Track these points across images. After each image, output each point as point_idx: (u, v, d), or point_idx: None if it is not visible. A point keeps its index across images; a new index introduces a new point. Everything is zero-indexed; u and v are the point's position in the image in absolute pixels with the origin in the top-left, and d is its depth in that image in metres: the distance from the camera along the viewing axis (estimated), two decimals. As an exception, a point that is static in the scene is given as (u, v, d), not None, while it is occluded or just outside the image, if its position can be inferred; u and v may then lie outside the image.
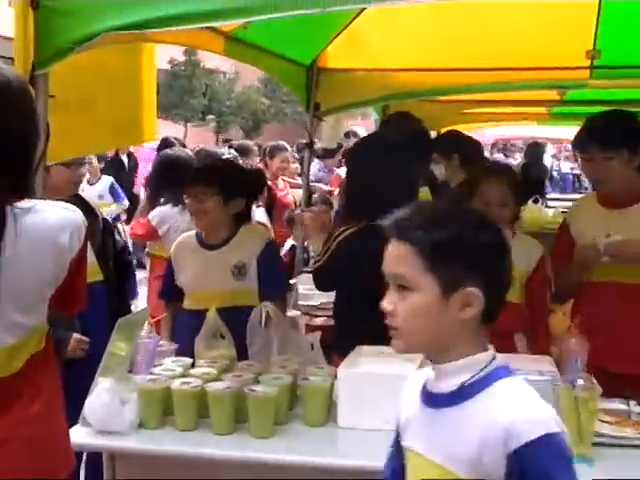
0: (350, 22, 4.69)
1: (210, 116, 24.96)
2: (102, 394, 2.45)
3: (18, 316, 1.82)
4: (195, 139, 21.54)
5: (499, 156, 16.54)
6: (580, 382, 2.25)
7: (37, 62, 2.37)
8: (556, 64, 5.10)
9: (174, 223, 4.65)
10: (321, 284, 3.34)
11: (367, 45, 5.10)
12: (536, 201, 7.50)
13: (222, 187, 3.28)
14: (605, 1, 4.34)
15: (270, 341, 2.82)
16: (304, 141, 5.51)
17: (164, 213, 4.75)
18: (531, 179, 11.66)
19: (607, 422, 2.48)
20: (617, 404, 2.61)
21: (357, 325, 3.08)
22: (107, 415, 2.42)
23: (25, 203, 1.82)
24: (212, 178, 3.31)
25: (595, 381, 2.31)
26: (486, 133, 22.16)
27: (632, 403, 2.62)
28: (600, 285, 3.09)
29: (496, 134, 20.52)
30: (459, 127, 13.55)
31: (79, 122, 2.83)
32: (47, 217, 1.85)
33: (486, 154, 13.95)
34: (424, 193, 4.05)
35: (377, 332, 2.79)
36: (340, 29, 4.82)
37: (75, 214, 1.93)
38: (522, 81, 5.39)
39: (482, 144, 11.98)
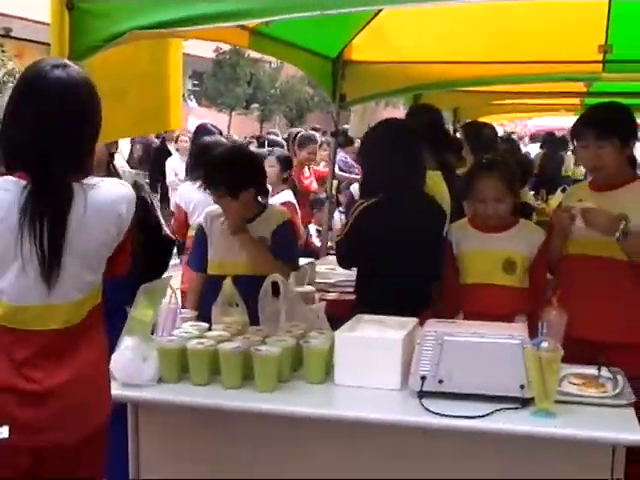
0: (374, 16, 4.94)
1: (254, 105, 25.28)
2: (126, 351, 2.78)
3: (87, 274, 2.24)
4: (239, 127, 21.90)
5: (534, 147, 16.57)
6: (544, 345, 2.52)
7: (71, 57, 2.70)
8: (571, 58, 5.33)
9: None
10: (342, 257, 3.66)
11: (391, 38, 5.34)
12: (564, 190, 7.70)
13: (229, 187, 3.58)
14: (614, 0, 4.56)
15: (279, 309, 3.12)
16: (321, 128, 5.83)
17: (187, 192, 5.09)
18: (548, 170, 11.76)
19: (575, 384, 2.75)
20: (588, 369, 2.87)
21: (374, 294, 3.45)
22: (130, 370, 2.76)
23: (90, 180, 2.23)
24: (219, 180, 3.62)
25: (559, 345, 2.57)
26: (529, 124, 22.23)
27: (604, 369, 2.87)
28: (575, 258, 3.30)
29: (537, 125, 20.60)
30: (495, 118, 13.73)
31: (112, 110, 3.15)
32: (109, 191, 2.27)
33: (523, 145, 14.02)
34: (436, 176, 4.32)
35: (392, 299, 3.16)
36: (365, 23, 5.08)
37: (129, 188, 2.36)
38: (539, 74, 5.63)
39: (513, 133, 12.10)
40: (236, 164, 3.68)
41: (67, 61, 2.30)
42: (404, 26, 5.13)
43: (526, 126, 22.85)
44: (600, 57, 5.12)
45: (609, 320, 3.20)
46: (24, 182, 2.15)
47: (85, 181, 2.21)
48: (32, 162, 2.15)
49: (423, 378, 2.65)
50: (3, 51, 15.32)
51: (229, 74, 23.59)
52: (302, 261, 4.02)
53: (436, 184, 4.21)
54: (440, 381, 2.65)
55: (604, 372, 2.85)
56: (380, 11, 4.78)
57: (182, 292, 4.43)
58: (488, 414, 2.54)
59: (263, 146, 7.97)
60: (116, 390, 2.76)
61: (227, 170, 3.64)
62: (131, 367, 2.76)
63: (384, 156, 3.54)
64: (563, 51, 5.24)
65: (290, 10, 2.90)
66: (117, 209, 2.27)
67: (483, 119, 12.14)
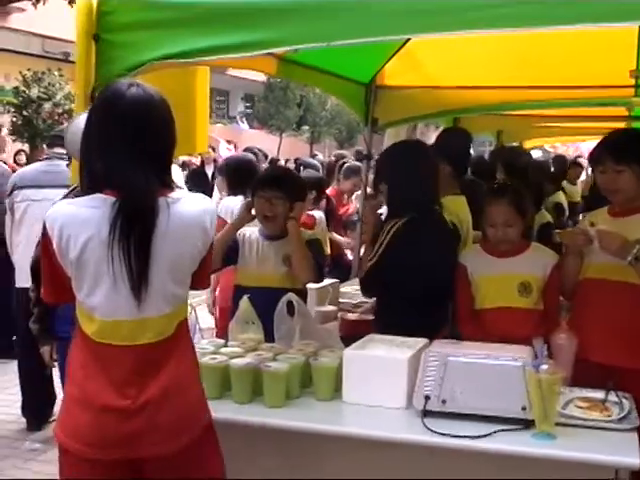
0: (405, 42, 5.04)
1: (304, 127, 25.56)
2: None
3: (175, 288, 2.34)
4: (289, 149, 22.16)
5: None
6: (544, 367, 2.57)
7: (96, 85, 2.86)
8: (604, 83, 5.36)
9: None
10: (373, 283, 3.61)
11: (422, 64, 5.43)
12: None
13: (288, 193, 3.76)
14: (644, 27, 4.58)
15: (293, 328, 3.22)
16: (364, 152, 5.92)
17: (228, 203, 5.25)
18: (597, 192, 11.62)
19: (580, 407, 2.78)
20: (595, 393, 2.90)
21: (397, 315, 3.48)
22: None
23: (175, 194, 2.34)
24: (280, 184, 3.78)
25: (560, 368, 2.62)
26: (582, 147, 22.09)
27: (612, 394, 2.89)
28: (592, 281, 3.32)
29: (590, 148, 20.40)
30: (543, 140, 13.63)
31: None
32: (193, 204, 2.37)
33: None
34: (459, 200, 4.39)
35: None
36: (396, 49, 5.17)
37: (211, 203, 2.49)
38: (573, 99, 5.66)
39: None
40: (296, 176, 3.93)
41: (138, 80, 2.42)
42: (435, 52, 5.20)
43: (578, 149, 22.69)
44: (632, 82, 5.16)
45: (622, 344, 3.22)
46: (113, 199, 2.25)
47: (170, 195, 2.32)
48: (119, 179, 2.25)
49: (427, 398, 2.72)
50: (61, 75, 15.78)
51: (280, 97, 23.94)
52: (326, 281, 4.10)
53: (458, 207, 4.29)
54: (443, 401, 2.72)
55: (612, 396, 2.88)
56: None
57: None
58: (489, 434, 2.59)
59: (298, 169, 8.09)
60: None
61: (290, 177, 3.91)
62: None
63: (405, 175, 3.63)
64: (597, 76, 5.28)
65: (312, 40, 2.98)
66: (202, 222, 2.37)
67: (529, 142, 12.22)
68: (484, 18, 2.52)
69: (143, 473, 2.35)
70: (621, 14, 2.30)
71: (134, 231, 2.23)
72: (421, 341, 3.02)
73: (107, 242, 2.23)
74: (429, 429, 2.63)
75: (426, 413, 2.71)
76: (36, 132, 15.24)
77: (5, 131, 9.08)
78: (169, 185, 2.35)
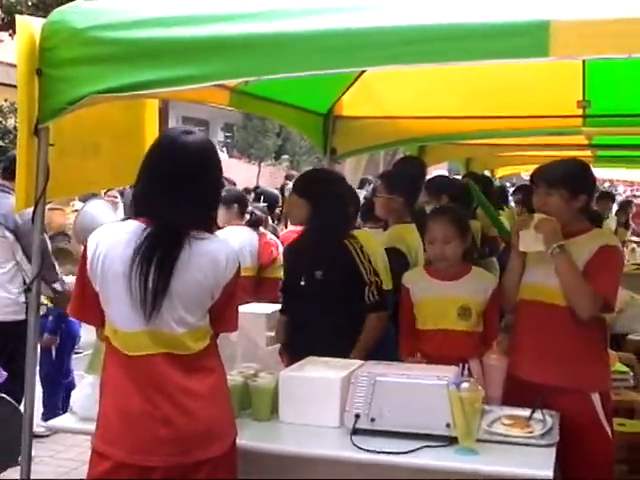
0: (362, 73, 5.18)
1: (284, 156, 25.72)
2: (85, 388, 3.00)
3: (186, 315, 2.53)
4: (268, 178, 22.30)
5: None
6: (465, 385, 2.68)
7: (40, 118, 2.97)
8: (555, 113, 5.52)
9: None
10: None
11: (379, 94, 5.57)
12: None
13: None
14: (587, 62, 4.75)
15: (237, 350, 3.33)
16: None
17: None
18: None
19: (505, 424, 2.90)
20: (524, 411, 3.02)
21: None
22: (88, 405, 2.95)
23: (201, 234, 2.57)
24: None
25: (480, 386, 2.73)
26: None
27: (539, 411, 3.00)
28: (525, 303, 3.45)
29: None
30: (512, 169, 13.77)
31: (82, 165, 3.44)
32: (211, 242, 2.59)
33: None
34: (410, 228, 4.52)
35: None
36: (353, 79, 5.32)
37: (232, 247, 2.70)
38: (529, 128, 5.82)
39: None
40: None
41: (191, 128, 2.73)
42: (391, 83, 5.32)
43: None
44: (580, 112, 5.32)
45: (551, 363, 3.33)
46: (144, 225, 2.52)
47: (201, 233, 2.56)
48: (158, 211, 2.52)
49: (357, 416, 2.83)
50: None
51: (258, 126, 24.09)
52: (276, 306, 4.18)
53: (407, 234, 4.42)
54: (372, 419, 2.83)
55: (537, 414, 2.99)
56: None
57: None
58: (414, 450, 2.71)
59: (258, 197, 8.24)
60: (76, 424, 3.01)
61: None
62: (89, 402, 2.95)
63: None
64: (548, 106, 5.43)
65: (254, 73, 3.09)
66: (214, 258, 2.56)
67: (501, 170, 12.36)
68: (439, 51, 2.59)
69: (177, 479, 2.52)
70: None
71: (153, 258, 2.47)
72: (355, 362, 3.13)
73: (129, 261, 2.48)
74: (357, 446, 2.73)
75: (356, 431, 2.82)
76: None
77: None
78: (208, 224, 2.62)
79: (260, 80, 3.71)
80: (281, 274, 6.37)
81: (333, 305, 3.66)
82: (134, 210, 2.62)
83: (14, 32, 13.44)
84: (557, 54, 2.32)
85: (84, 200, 9.45)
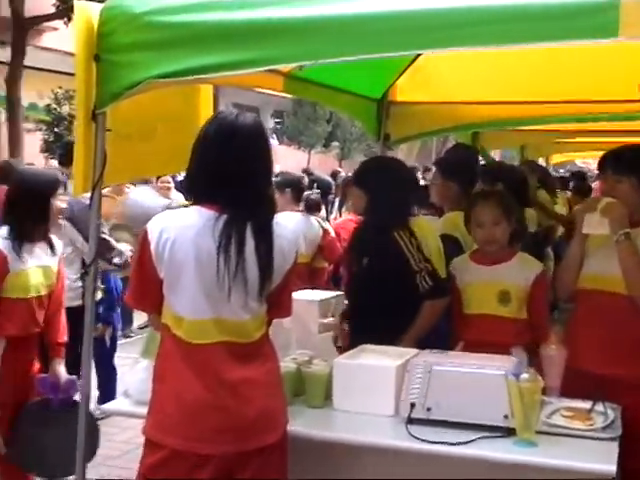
0: (416, 57, 5.11)
1: (334, 143, 25.67)
2: (140, 372, 3.01)
3: (249, 299, 2.52)
4: (318, 165, 22.29)
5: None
6: (525, 376, 2.62)
7: (97, 103, 2.98)
8: (614, 97, 5.39)
9: None
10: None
11: (435, 79, 5.49)
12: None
13: None
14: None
15: (291, 337, 3.31)
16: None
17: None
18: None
19: (565, 416, 2.83)
20: (584, 403, 2.95)
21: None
22: (143, 389, 2.97)
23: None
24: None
25: (540, 377, 2.67)
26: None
27: (600, 404, 2.93)
28: (585, 292, 3.38)
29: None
30: (568, 156, 13.55)
31: (138, 151, 3.44)
32: (283, 229, 2.59)
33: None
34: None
35: None
36: (408, 64, 5.25)
37: (293, 233, 2.74)
38: (582, 114, 5.69)
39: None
40: None
41: (242, 111, 2.68)
42: (447, 67, 5.24)
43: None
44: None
45: (614, 354, 3.26)
46: (213, 212, 2.49)
47: (269, 215, 2.57)
48: (225, 197, 2.49)
49: (412, 405, 2.79)
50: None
51: (309, 113, 24.06)
52: (329, 294, 4.16)
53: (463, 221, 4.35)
54: (428, 409, 2.78)
55: (599, 407, 2.92)
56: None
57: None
58: (471, 441, 2.66)
59: (311, 183, 8.20)
60: (130, 408, 3.03)
61: None
62: (143, 386, 2.96)
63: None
64: (606, 91, 5.31)
65: (308, 57, 3.06)
66: (278, 243, 2.56)
67: (555, 157, 12.16)
68: (492, 34, 2.54)
69: (230, 468, 2.51)
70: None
71: (230, 244, 2.46)
72: (411, 351, 3.09)
73: (203, 248, 2.46)
74: (412, 435, 2.70)
75: (412, 420, 2.79)
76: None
77: None
78: (270, 209, 2.61)
79: (315, 65, 3.68)
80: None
81: (382, 293, 3.62)
82: (193, 195, 2.60)
83: (69, 20, 13.64)
84: (626, 34, 2.24)
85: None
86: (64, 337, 3.90)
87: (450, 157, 5.26)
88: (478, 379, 2.76)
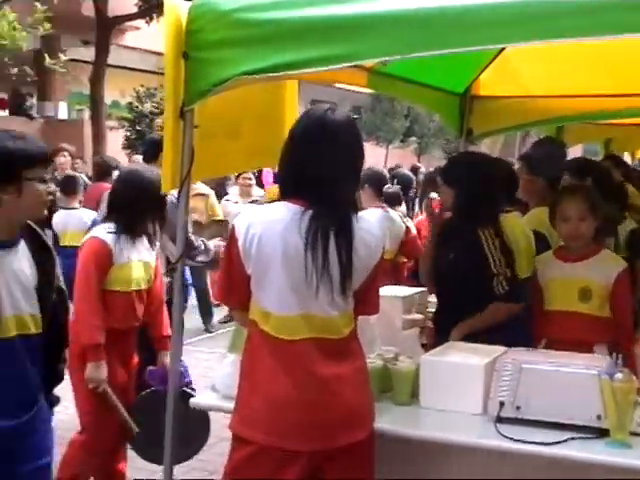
0: (500, 51, 5.04)
1: (412, 138, 25.53)
2: (227, 367, 3.04)
3: (336, 295, 2.51)
4: (396, 161, 22.19)
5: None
6: (619, 376, 2.56)
7: (185, 100, 3.02)
8: None
9: None
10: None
11: (519, 73, 5.41)
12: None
13: None
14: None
15: (375, 333, 3.29)
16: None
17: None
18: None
19: (662, 417, 2.75)
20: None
21: None
22: (229, 383, 3.00)
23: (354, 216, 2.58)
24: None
25: (634, 377, 2.60)
26: None
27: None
28: None
29: None
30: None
31: (224, 147, 3.47)
32: (362, 225, 2.57)
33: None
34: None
35: None
36: (492, 58, 5.18)
37: (379, 228, 2.69)
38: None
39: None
40: None
41: (331, 106, 2.66)
42: (532, 61, 5.16)
43: None
44: None
45: None
46: (299, 207, 2.49)
47: (355, 212, 2.56)
48: (313, 192, 2.49)
49: (501, 404, 2.75)
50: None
51: (387, 108, 23.97)
52: (413, 290, 4.14)
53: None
54: (518, 407, 2.74)
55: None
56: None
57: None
58: (562, 441, 2.61)
59: (392, 179, 8.14)
60: (217, 402, 3.06)
61: None
62: (231, 381, 2.99)
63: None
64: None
65: (395, 52, 3.04)
66: (365, 239, 2.55)
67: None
68: (580, 26, 2.50)
69: (318, 465, 2.51)
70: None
71: (318, 240, 2.46)
72: (498, 349, 3.05)
73: (290, 244, 2.46)
74: (502, 435, 2.66)
75: (500, 419, 2.74)
76: (149, 146, 15.74)
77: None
78: (355, 205, 2.61)
79: (404, 59, 3.65)
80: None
81: (464, 290, 3.58)
82: (281, 191, 2.60)
83: (150, 19, 13.86)
84: None
85: (219, 184, 9.68)
86: (168, 330, 3.97)
87: (536, 151, 5.15)
88: (570, 378, 2.70)
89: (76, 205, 7.38)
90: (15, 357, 2.59)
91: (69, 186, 7.37)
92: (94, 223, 5.40)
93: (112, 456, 4.06)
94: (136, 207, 3.84)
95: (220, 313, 8.77)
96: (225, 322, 8.45)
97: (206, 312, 8.68)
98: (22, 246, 2.65)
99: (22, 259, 2.63)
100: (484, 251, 3.55)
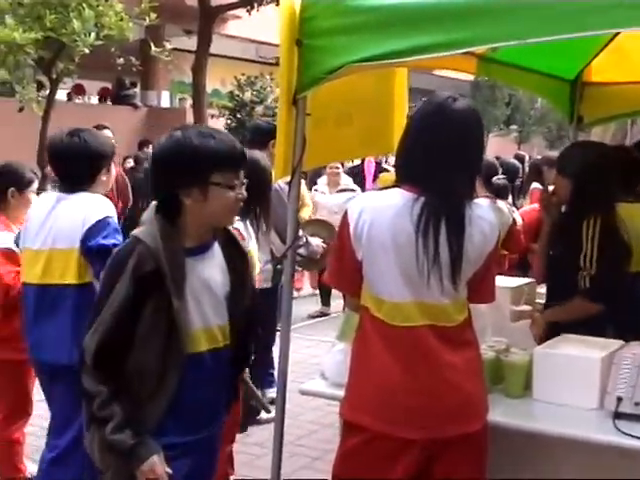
0: (614, 37, 4.88)
1: (513, 126, 25.07)
2: (337, 354, 3.04)
3: (448, 284, 2.49)
4: (496, 149, 21.84)
5: None
6: None
7: (298, 88, 3.02)
8: None
9: None
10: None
11: (633, 58, 5.23)
12: None
13: None
14: None
15: (486, 324, 3.25)
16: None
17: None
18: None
19: None
20: None
21: None
22: (339, 371, 3.00)
23: (476, 200, 2.59)
24: None
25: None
26: None
27: None
28: None
29: None
30: None
31: (335, 134, 3.47)
32: (477, 212, 2.54)
33: None
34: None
35: None
36: (604, 44, 5.02)
37: (494, 215, 2.66)
38: None
39: None
40: None
41: (455, 95, 2.63)
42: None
43: None
44: None
45: None
46: (412, 194, 2.48)
47: (472, 201, 2.54)
48: (430, 180, 2.47)
49: (619, 399, 2.67)
50: (272, 79, 16.45)
51: (487, 95, 23.59)
52: (522, 280, 4.06)
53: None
54: (636, 403, 2.66)
55: None
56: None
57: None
58: (684, 440, 2.51)
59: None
60: (327, 389, 3.08)
61: None
62: (340, 369, 3.00)
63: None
64: None
65: (506, 38, 2.98)
66: (481, 226, 2.53)
67: None
68: None
69: (430, 455, 2.49)
70: None
71: (431, 227, 2.43)
72: (615, 342, 2.96)
73: (403, 231, 2.44)
74: (621, 431, 2.58)
75: (618, 415, 2.66)
76: (249, 134, 15.90)
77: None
78: (471, 192, 2.57)
79: (518, 45, 3.58)
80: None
81: (567, 281, 3.47)
82: (397, 177, 2.58)
83: (251, 8, 13.97)
84: None
85: (315, 172, 9.69)
86: None
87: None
88: (694, 375, 2.60)
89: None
90: (206, 373, 2.47)
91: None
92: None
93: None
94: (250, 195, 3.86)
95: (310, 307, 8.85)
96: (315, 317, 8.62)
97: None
98: (216, 251, 2.55)
99: (214, 266, 2.52)
100: (581, 242, 3.44)
